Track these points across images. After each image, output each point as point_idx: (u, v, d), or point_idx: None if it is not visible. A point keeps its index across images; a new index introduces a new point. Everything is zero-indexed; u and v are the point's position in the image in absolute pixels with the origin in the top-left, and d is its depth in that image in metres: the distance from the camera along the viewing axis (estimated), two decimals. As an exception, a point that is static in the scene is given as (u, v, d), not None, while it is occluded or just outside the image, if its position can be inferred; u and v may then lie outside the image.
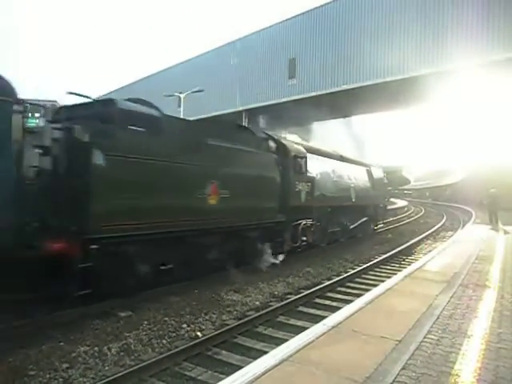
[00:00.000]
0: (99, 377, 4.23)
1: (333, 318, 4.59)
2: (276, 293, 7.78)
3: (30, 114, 5.87)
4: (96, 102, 6.81)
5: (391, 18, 18.17)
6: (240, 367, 3.68)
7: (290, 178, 10.20)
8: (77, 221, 5.48)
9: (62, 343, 4.97)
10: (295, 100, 22.10)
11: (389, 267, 10.65)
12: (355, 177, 15.08)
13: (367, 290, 6.78)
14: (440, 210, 38.40)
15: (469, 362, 3.43)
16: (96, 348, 4.86)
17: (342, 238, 14.19)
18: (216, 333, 5.36)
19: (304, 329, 4.75)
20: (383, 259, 11.34)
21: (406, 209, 39.15)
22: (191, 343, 5.00)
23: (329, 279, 9.01)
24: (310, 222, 11.23)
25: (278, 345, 4.15)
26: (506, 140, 34.89)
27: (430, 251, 11.92)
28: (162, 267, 6.97)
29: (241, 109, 25.05)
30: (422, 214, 33.95)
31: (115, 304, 6.38)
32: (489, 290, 6.03)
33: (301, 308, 6.92)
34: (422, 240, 15.96)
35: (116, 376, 4.08)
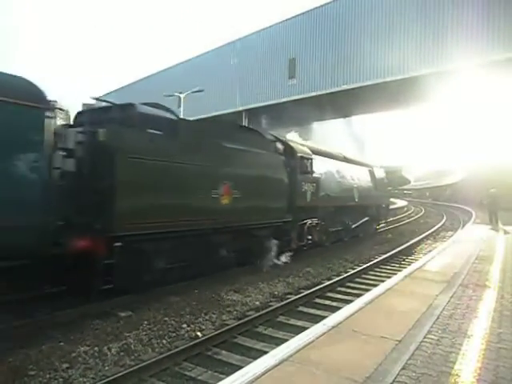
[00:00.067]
0: (99, 377, 4.22)
1: (333, 318, 4.59)
2: (276, 293, 7.77)
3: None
4: (116, 106, 7.02)
5: (391, 18, 18.18)
6: (240, 367, 3.68)
7: (297, 179, 10.45)
8: (101, 219, 5.76)
9: (62, 343, 4.97)
10: (295, 100, 22.12)
11: (389, 267, 10.65)
12: (358, 177, 15.32)
13: (367, 290, 6.78)
14: (440, 210, 38.40)
15: (469, 362, 3.43)
16: (96, 348, 4.86)
17: (346, 238, 14.42)
18: (216, 333, 5.36)
19: (304, 329, 4.75)
20: (383, 259, 11.33)
21: (405, 209, 39.14)
22: (191, 343, 5.00)
23: (329, 279, 9.01)
24: (315, 221, 11.49)
25: (278, 345, 4.15)
26: (505, 140, 34.90)
27: (430, 251, 11.92)
28: (177, 264, 7.23)
29: (241, 109, 25.06)
30: (421, 214, 33.94)
31: (115, 304, 6.39)
32: (489, 290, 6.03)
33: (301, 308, 6.91)
34: (422, 240, 15.95)
35: (116, 376, 4.08)
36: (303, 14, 22.04)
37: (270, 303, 7.11)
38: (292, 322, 6.19)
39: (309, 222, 11.19)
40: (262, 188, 9.04)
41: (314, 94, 21.23)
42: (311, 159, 11.27)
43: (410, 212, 35.86)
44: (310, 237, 11.29)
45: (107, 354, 4.74)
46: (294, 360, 3.44)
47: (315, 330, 4.18)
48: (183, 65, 29.68)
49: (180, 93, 24.34)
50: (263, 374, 3.15)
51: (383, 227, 19.93)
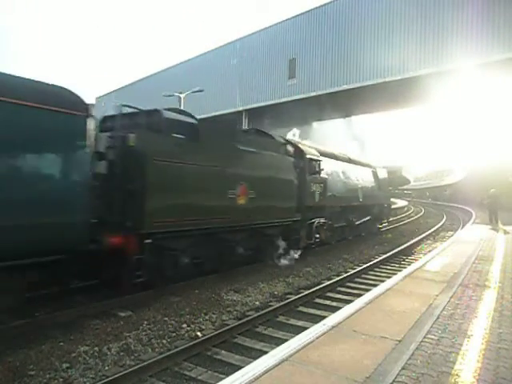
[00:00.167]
0: (99, 377, 4.23)
1: (333, 318, 4.59)
2: (276, 293, 7.77)
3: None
4: (142, 111, 7.43)
5: (391, 18, 18.17)
6: (240, 367, 3.68)
7: (306, 180, 10.97)
8: (133, 218, 6.25)
9: (62, 343, 4.97)
10: (295, 100, 22.11)
11: (389, 267, 10.65)
12: (362, 178, 15.80)
13: (367, 290, 6.78)
14: (440, 210, 38.42)
15: (469, 362, 3.43)
16: (96, 348, 4.86)
17: (350, 236, 14.86)
18: (216, 333, 5.36)
19: (304, 329, 4.76)
20: (383, 259, 11.34)
21: (405, 209, 39.16)
22: (191, 343, 5.00)
23: (329, 279, 9.01)
24: (322, 220, 11.94)
25: (277, 345, 4.15)
26: (505, 140, 34.88)
27: (429, 251, 11.93)
28: (197, 260, 7.65)
29: (241, 109, 25.05)
30: (421, 214, 33.96)
31: (115, 304, 6.40)
32: (489, 290, 6.03)
33: (301, 308, 6.92)
34: (421, 240, 15.96)
35: (116, 376, 4.08)
36: (303, 13, 22.04)
37: (270, 303, 7.11)
38: (292, 321, 6.19)
39: (316, 221, 11.61)
40: (274, 188, 9.51)
41: (314, 93, 21.23)
42: (319, 161, 11.76)
43: (409, 212, 35.88)
44: (317, 235, 11.66)
45: (107, 354, 4.74)
46: (294, 360, 3.44)
47: (315, 330, 4.18)
48: (183, 65, 29.67)
49: (180, 93, 24.32)
50: (263, 373, 3.15)
51: (385, 226, 20.00)
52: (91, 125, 5.68)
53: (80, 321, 5.68)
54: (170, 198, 6.76)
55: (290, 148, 10.89)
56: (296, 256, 10.39)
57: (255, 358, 3.77)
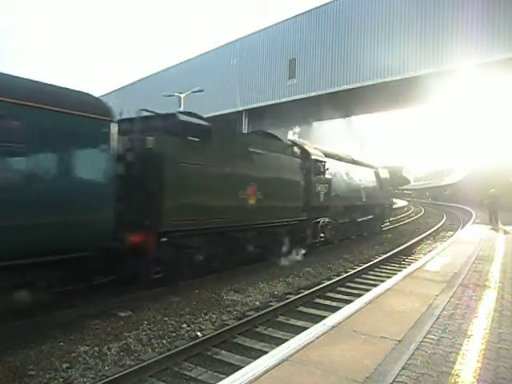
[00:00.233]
0: (99, 377, 4.23)
1: (333, 318, 4.59)
2: (276, 293, 7.77)
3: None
4: (159, 115, 7.70)
5: (391, 18, 18.17)
6: (240, 367, 3.68)
7: (311, 180, 11.34)
8: (151, 217, 6.59)
9: (62, 343, 4.97)
10: (295, 100, 22.10)
11: (389, 267, 10.65)
12: (365, 178, 16.13)
13: (367, 290, 6.78)
14: (440, 210, 38.43)
15: (469, 362, 3.43)
16: (96, 348, 4.86)
17: (353, 236, 15.27)
18: (216, 333, 5.36)
19: (304, 329, 4.75)
20: (383, 259, 11.34)
21: (405, 209, 39.18)
22: (191, 343, 5.00)
23: (329, 279, 9.01)
24: (327, 220, 12.33)
25: (277, 345, 4.15)
26: (505, 140, 34.88)
27: (429, 251, 11.93)
28: (210, 258, 7.95)
29: (241, 109, 25.04)
30: (421, 214, 33.97)
31: (115, 304, 6.40)
32: (489, 290, 6.03)
33: (301, 308, 6.92)
34: (421, 240, 15.97)
35: (116, 376, 4.08)
36: (303, 13, 22.02)
37: (270, 303, 7.11)
38: (292, 321, 6.19)
39: (321, 220, 11.99)
40: (282, 189, 9.89)
41: (314, 93, 21.21)
42: (324, 162, 12.14)
43: (409, 212, 35.89)
44: (322, 234, 12.05)
45: (107, 354, 4.74)
46: (294, 360, 3.44)
47: (315, 330, 4.18)
48: (183, 65, 29.66)
49: (180, 93, 24.32)
50: (263, 373, 3.15)
51: (386, 226, 20.06)
52: (114, 129, 5.98)
53: (80, 321, 5.68)
54: (185, 198, 7.06)
55: (296, 149, 11.21)
56: (302, 254, 10.75)
57: (255, 358, 3.77)
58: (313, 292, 7.64)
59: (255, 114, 24.65)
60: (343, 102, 21.69)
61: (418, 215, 32.15)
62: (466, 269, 7.59)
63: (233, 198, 8.22)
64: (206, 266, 7.93)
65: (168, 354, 4.68)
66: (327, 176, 12.31)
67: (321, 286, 8.15)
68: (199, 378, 4.35)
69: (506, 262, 8.57)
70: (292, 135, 21.07)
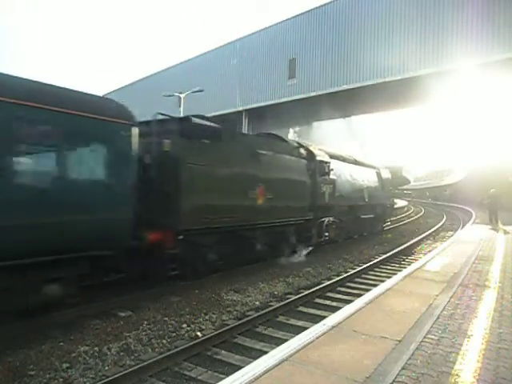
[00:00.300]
0: (99, 377, 4.23)
1: (333, 318, 4.58)
2: (276, 293, 7.77)
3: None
4: (174, 118, 8.05)
5: (391, 18, 18.17)
6: (240, 367, 3.68)
7: (317, 181, 11.66)
8: (168, 216, 6.89)
9: (61, 343, 4.97)
10: (295, 100, 22.11)
11: (389, 267, 10.65)
12: (367, 179, 16.42)
13: (367, 290, 6.77)
14: (440, 210, 38.42)
15: (469, 362, 3.43)
16: (96, 348, 4.86)
17: (356, 235, 15.64)
18: (216, 333, 5.36)
19: (304, 329, 4.75)
20: (383, 259, 11.34)
21: (405, 209, 39.17)
22: (191, 343, 5.00)
23: (329, 279, 9.01)
24: (331, 219, 12.67)
25: (277, 345, 4.15)
26: (505, 140, 34.87)
27: (430, 251, 11.92)
28: (222, 255, 8.29)
29: (241, 109, 25.05)
30: (421, 214, 33.96)
31: (115, 304, 6.40)
32: (489, 290, 6.03)
33: (301, 308, 6.91)
34: (421, 240, 15.96)
35: (116, 376, 4.08)
36: (303, 13, 22.03)
37: (270, 303, 7.11)
38: (292, 321, 6.19)
39: (326, 219, 12.33)
40: (289, 189, 10.20)
41: (313, 94, 21.22)
42: (329, 163, 12.46)
43: (409, 212, 35.89)
44: (326, 233, 12.38)
45: (107, 354, 4.74)
46: (294, 360, 3.44)
47: (315, 330, 4.18)
48: (183, 65, 29.67)
49: (180, 93, 24.34)
50: (263, 373, 3.15)
51: (387, 225, 20.13)
52: (136, 132, 6.28)
53: (80, 321, 5.68)
54: (199, 197, 7.39)
55: (302, 151, 11.52)
56: (308, 252, 11.08)
57: (255, 358, 3.77)
58: (313, 292, 7.64)
59: (255, 113, 24.66)
60: (343, 102, 21.70)
61: (418, 215, 32.15)
62: (466, 269, 7.59)
63: (243, 198, 8.53)
64: (218, 263, 8.23)
65: (168, 354, 4.68)
66: (332, 177, 12.60)
67: (321, 286, 8.14)
68: (199, 377, 4.35)
69: (506, 262, 8.57)
70: (292, 134, 21.10)
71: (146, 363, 4.41)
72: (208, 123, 8.27)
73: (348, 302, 6.41)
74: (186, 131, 7.41)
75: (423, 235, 17.05)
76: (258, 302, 7.12)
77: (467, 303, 5.25)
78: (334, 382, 3.07)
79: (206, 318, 6.15)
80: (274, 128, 25.23)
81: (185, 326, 5.78)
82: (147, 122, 7.28)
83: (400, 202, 43.29)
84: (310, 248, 11.30)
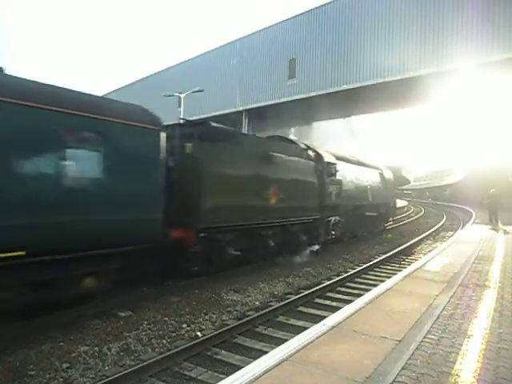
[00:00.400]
0: (99, 377, 4.23)
1: (333, 318, 4.59)
2: (276, 293, 7.78)
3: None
4: (193, 122, 8.65)
5: (391, 18, 18.16)
6: (240, 367, 3.68)
7: (324, 181, 12.15)
8: (190, 215, 7.37)
9: (61, 343, 4.98)
10: (295, 100, 22.10)
11: (389, 267, 10.65)
12: (371, 179, 16.88)
13: (367, 290, 6.77)
14: (440, 210, 38.43)
15: (469, 362, 3.43)
16: (96, 348, 4.86)
17: (360, 234, 16.01)
18: (216, 333, 5.36)
19: (304, 329, 4.75)
20: (383, 259, 11.34)
21: (405, 209, 39.14)
22: (191, 343, 5.00)
23: (329, 279, 9.01)
24: (337, 218, 13.14)
25: (277, 345, 4.15)
26: (506, 140, 34.87)
27: (429, 251, 11.92)
28: (238, 252, 8.77)
29: (241, 109, 25.04)
30: (421, 214, 33.96)
31: (115, 304, 6.40)
32: (489, 290, 6.03)
33: (301, 308, 6.92)
34: (421, 240, 15.97)
35: (116, 376, 4.09)
36: (303, 13, 22.02)
37: (270, 303, 7.11)
38: (292, 321, 6.19)
39: (333, 219, 12.83)
40: (299, 190, 10.71)
41: (314, 93, 21.21)
42: (335, 164, 12.95)
43: (409, 212, 35.88)
44: (333, 232, 12.87)
45: (107, 354, 4.74)
46: (294, 360, 3.44)
47: (315, 330, 4.18)
48: (183, 65, 29.66)
49: (180, 93, 24.33)
50: (263, 373, 3.15)
51: (388, 225, 20.18)
52: (163, 137, 6.69)
53: (80, 321, 5.68)
54: (218, 197, 7.90)
55: (310, 153, 12.02)
56: (315, 250, 11.53)
57: (255, 358, 3.77)
58: (313, 292, 7.64)
59: (255, 113, 24.65)
60: (343, 102, 21.70)
61: (418, 215, 32.15)
62: (466, 269, 7.59)
63: (257, 198, 9.02)
64: (236, 259, 8.74)
65: (168, 354, 4.68)
66: (338, 177, 13.06)
67: (321, 285, 8.14)
68: (199, 377, 4.35)
69: (506, 262, 8.57)
70: (294, 134, 21.14)
71: (145, 363, 4.41)
72: (225, 127, 8.89)
73: (348, 302, 6.41)
74: (205, 135, 7.88)
75: (423, 235, 17.06)
76: (258, 302, 7.12)
77: (467, 303, 5.25)
78: (333, 382, 3.07)
79: (206, 317, 6.15)
80: (274, 128, 25.27)
81: (185, 325, 5.78)
82: (168, 126, 7.59)
83: (400, 202, 43.30)
84: (318, 246, 11.74)
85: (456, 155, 62.78)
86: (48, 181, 5.19)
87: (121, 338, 5.22)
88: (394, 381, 3.06)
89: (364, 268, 10.08)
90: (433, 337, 4.01)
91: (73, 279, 5.55)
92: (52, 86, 5.55)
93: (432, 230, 19.45)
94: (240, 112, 25.01)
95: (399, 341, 3.88)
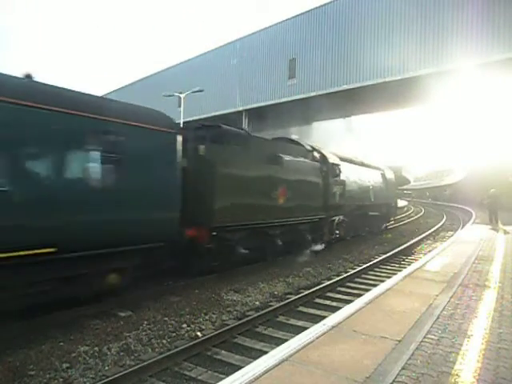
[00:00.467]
0: (99, 377, 4.23)
1: (333, 318, 4.58)
2: (276, 293, 7.77)
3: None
4: (206, 126, 8.84)
5: (391, 18, 18.17)
6: (240, 367, 3.68)
7: (329, 182, 12.45)
8: (204, 214, 7.69)
9: (62, 343, 4.97)
10: (295, 100, 22.10)
11: (389, 267, 10.65)
12: (373, 179, 17.19)
13: (367, 290, 6.77)
14: (440, 210, 38.43)
15: (469, 362, 3.43)
16: (96, 348, 4.86)
17: (363, 233, 16.30)
18: (216, 333, 5.36)
19: (304, 329, 4.75)
20: (383, 259, 11.33)
21: (405, 209, 39.14)
22: (191, 343, 5.00)
23: (329, 279, 9.01)
24: (341, 218, 13.46)
25: (277, 345, 4.15)
26: (506, 140, 34.86)
27: (429, 251, 11.92)
28: (248, 250, 8.95)
29: (241, 109, 25.04)
30: (421, 214, 33.97)
31: (115, 304, 6.40)
32: (489, 290, 6.03)
33: (301, 308, 6.91)
34: (421, 240, 15.96)
35: (116, 376, 4.09)
36: (303, 13, 22.02)
37: (270, 303, 7.11)
38: (292, 321, 6.19)
39: (337, 218, 13.14)
40: (306, 190, 11.02)
41: (314, 93, 21.22)
42: (339, 165, 13.28)
43: (409, 212, 35.90)
44: (337, 231, 13.18)
45: (107, 354, 4.74)
46: (294, 360, 3.44)
47: (315, 330, 4.18)
48: (183, 65, 29.66)
49: (180, 93, 24.33)
50: (263, 373, 3.15)
51: (390, 224, 20.23)
52: (179, 139, 6.99)
53: (80, 321, 5.68)
54: (229, 197, 8.18)
55: (316, 154, 12.37)
56: (320, 248, 11.85)
57: (255, 358, 3.77)
58: (313, 292, 7.64)
59: (255, 113, 24.66)
60: (343, 102, 21.69)
61: (418, 215, 32.16)
62: (466, 269, 7.59)
63: (266, 198, 9.31)
64: (245, 257, 8.94)
65: (168, 354, 4.68)
66: (342, 178, 13.34)
67: (321, 286, 8.14)
68: (199, 377, 4.35)
69: (506, 261, 8.57)
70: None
71: (145, 363, 4.41)
72: (236, 130, 9.27)
73: (348, 302, 6.41)
74: (217, 137, 8.21)
75: (423, 235, 17.06)
76: (258, 302, 7.12)
77: (467, 303, 5.25)
78: (333, 382, 3.07)
79: (206, 317, 6.15)
80: (274, 128, 25.25)
81: (185, 325, 5.78)
82: (182, 129, 7.86)
83: (400, 202, 43.27)
84: (323, 245, 12.08)
85: (456, 155, 62.77)
86: (78, 183, 5.50)
87: (121, 338, 5.22)
88: (393, 381, 3.06)
89: (364, 268, 10.08)
90: (433, 337, 4.01)
91: (98, 275, 5.92)
92: (82, 93, 5.90)
93: (432, 230, 19.45)
94: (240, 112, 25.01)
95: (399, 341, 3.88)
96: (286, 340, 4.19)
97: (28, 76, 5.41)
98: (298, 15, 22.31)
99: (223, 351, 5.01)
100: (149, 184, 6.47)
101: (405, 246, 13.70)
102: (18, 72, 5.23)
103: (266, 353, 3.82)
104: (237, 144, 8.63)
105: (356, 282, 8.91)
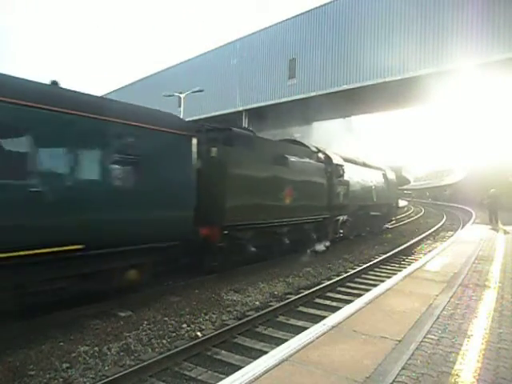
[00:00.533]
0: (99, 377, 4.23)
1: (333, 318, 4.59)
2: (276, 293, 7.77)
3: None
4: (217, 128, 9.12)
5: (391, 18, 18.15)
6: (240, 367, 3.68)
7: (333, 182, 12.78)
8: (216, 213, 7.96)
9: (62, 343, 4.98)
10: (295, 100, 22.09)
11: (389, 267, 10.65)
12: (376, 180, 17.49)
13: (367, 290, 6.78)
14: (440, 210, 38.42)
15: (469, 362, 3.43)
16: (96, 348, 4.86)
17: (364, 233, 16.59)
18: (216, 333, 5.36)
19: (304, 329, 4.75)
20: (383, 259, 11.34)
21: (405, 209, 39.12)
22: (191, 343, 5.01)
23: (329, 279, 9.01)
24: (345, 217, 13.76)
25: (277, 345, 4.15)
26: (506, 140, 34.85)
27: (430, 251, 11.92)
28: (257, 248, 9.22)
29: (241, 109, 25.01)
30: (421, 214, 33.96)
31: (115, 304, 6.40)
32: (489, 290, 6.03)
33: (301, 308, 6.92)
34: (421, 240, 15.97)
35: (116, 376, 4.09)
36: (303, 13, 21.99)
37: (270, 303, 7.11)
38: (292, 321, 6.19)
39: (341, 218, 13.44)
40: (311, 190, 11.34)
41: (314, 93, 21.18)
42: (343, 166, 13.64)
43: (409, 212, 35.88)
44: (341, 231, 13.52)
45: (107, 354, 4.74)
46: (294, 360, 3.44)
47: (315, 330, 4.18)
48: (183, 65, 29.63)
49: (180, 93, 24.32)
50: (263, 373, 3.15)
51: (391, 224, 20.26)
52: (195, 142, 7.26)
53: (80, 321, 5.68)
54: (239, 198, 8.49)
55: (320, 155, 12.69)
56: (324, 247, 12.09)
57: (255, 358, 3.77)
58: (313, 292, 7.64)
59: (255, 113, 24.62)
60: (343, 102, 21.64)
61: (418, 215, 32.15)
62: (466, 269, 7.59)
63: (274, 198, 9.61)
64: (254, 255, 9.19)
65: (168, 354, 4.68)
66: (345, 178, 13.67)
67: (321, 286, 8.15)
68: (199, 377, 4.35)
69: (506, 261, 8.57)
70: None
71: (145, 363, 4.41)
72: (246, 132, 9.67)
73: (348, 302, 6.41)
74: (228, 140, 8.51)
75: (423, 235, 17.06)
76: (258, 302, 7.12)
77: (467, 303, 5.25)
78: (333, 382, 3.07)
79: (206, 317, 6.15)
80: (274, 128, 25.24)
81: (185, 325, 5.78)
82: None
83: (400, 202, 43.22)
84: (327, 244, 12.32)
85: (456, 155, 62.74)
86: (104, 184, 5.83)
87: (121, 337, 5.22)
88: (393, 381, 3.06)
89: (364, 268, 10.08)
90: (433, 337, 4.01)
91: (121, 270, 6.26)
92: (110, 100, 6.33)
93: (432, 230, 19.45)
94: (240, 112, 24.98)
95: (399, 341, 3.88)
96: (286, 340, 4.19)
97: (54, 83, 5.66)
98: (297, 15, 22.28)
99: (223, 351, 5.01)
100: (168, 185, 6.77)
101: (405, 246, 13.71)
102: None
103: (265, 353, 3.82)
104: (246, 146, 8.90)
105: (356, 282, 8.91)
